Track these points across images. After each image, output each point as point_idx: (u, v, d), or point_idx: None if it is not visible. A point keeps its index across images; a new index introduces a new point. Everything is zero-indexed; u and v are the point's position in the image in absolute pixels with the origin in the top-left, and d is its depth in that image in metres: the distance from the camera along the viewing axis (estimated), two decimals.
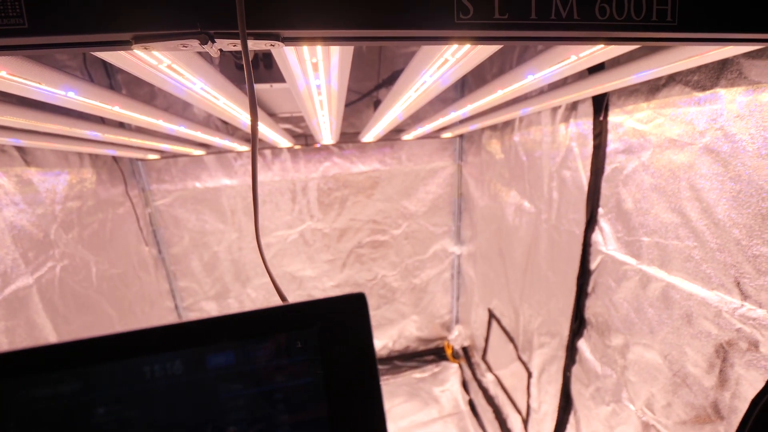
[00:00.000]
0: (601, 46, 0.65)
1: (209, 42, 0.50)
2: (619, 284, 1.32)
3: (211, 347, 0.20)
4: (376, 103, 2.47)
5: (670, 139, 1.06)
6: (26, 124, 1.15)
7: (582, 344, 1.60)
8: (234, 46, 0.52)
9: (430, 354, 3.45)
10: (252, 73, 0.48)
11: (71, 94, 0.83)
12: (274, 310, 0.22)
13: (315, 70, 0.80)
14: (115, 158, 2.36)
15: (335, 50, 0.69)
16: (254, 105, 0.52)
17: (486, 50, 0.69)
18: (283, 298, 0.68)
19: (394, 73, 2.35)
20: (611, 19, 0.54)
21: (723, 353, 0.99)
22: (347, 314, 0.22)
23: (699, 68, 0.96)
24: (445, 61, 0.75)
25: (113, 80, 2.29)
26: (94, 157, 2.16)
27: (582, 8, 0.53)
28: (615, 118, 1.28)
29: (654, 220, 1.15)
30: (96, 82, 2.20)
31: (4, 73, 0.68)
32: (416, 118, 2.37)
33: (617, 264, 1.32)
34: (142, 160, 2.56)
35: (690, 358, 1.08)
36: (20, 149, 1.66)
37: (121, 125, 1.99)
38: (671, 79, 1.05)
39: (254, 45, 0.52)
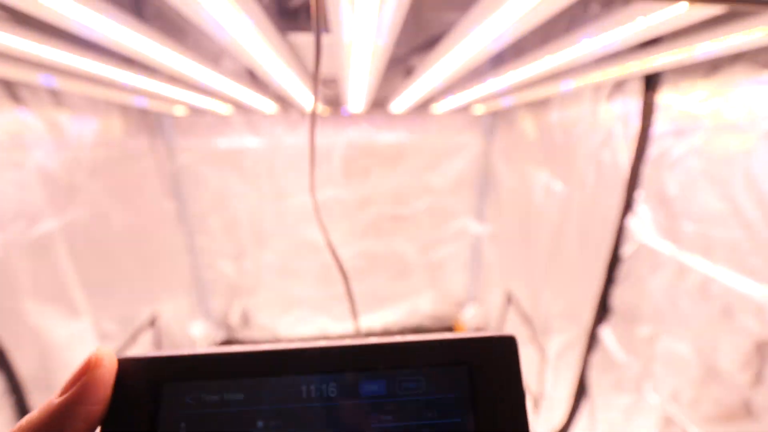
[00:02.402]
0: (685, 6, 0.59)
1: None
2: (654, 272, 1.27)
3: (365, 373, 0.21)
4: (408, 72, 2.39)
5: (728, 123, 0.99)
6: (62, 59, 1.13)
7: (604, 332, 1.56)
8: None
9: (443, 332, 3.46)
10: None
11: (113, 25, 0.80)
12: (427, 342, 0.22)
13: (367, 14, 0.74)
14: (143, 111, 2.35)
15: None
16: (319, 48, 0.48)
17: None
18: (343, 273, 0.66)
19: (430, 39, 2.25)
20: None
21: (763, 352, 0.95)
22: (498, 356, 0.21)
23: None
24: (511, 7, 0.69)
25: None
26: (123, 108, 2.16)
27: None
28: (666, 97, 1.20)
29: (700, 208, 1.09)
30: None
31: None
32: (447, 90, 2.28)
33: (654, 252, 1.27)
34: (169, 115, 2.55)
35: (725, 354, 1.04)
36: (52, 93, 1.65)
37: (153, 72, 1.96)
38: (737, 58, 0.96)
39: None
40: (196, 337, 2.92)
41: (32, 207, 1.52)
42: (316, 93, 0.49)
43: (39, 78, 1.33)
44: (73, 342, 1.66)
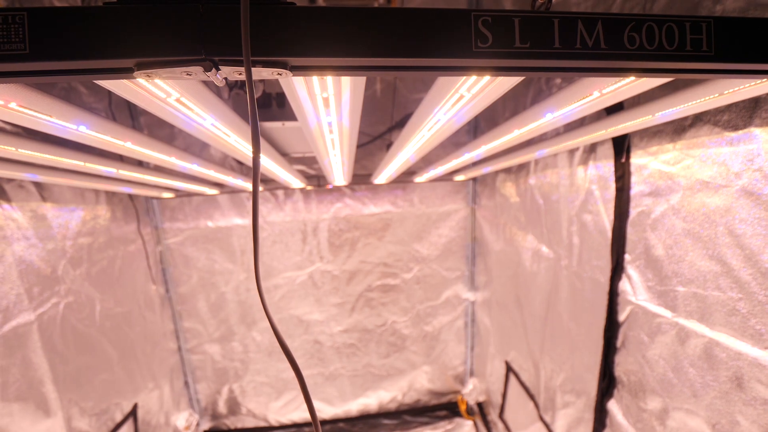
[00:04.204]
0: (631, 78, 0.62)
1: (213, 69, 0.48)
2: (652, 339, 1.20)
3: None
4: (389, 146, 2.48)
5: (702, 181, 1.00)
6: (43, 159, 1.15)
7: (613, 406, 1.45)
8: (239, 74, 0.50)
9: (443, 409, 3.22)
10: (255, 99, 0.45)
11: (83, 128, 0.82)
12: None
13: (326, 106, 0.78)
14: (130, 196, 2.38)
15: (346, 85, 0.67)
16: (257, 136, 0.49)
17: (503, 84, 0.66)
18: (283, 345, 0.61)
19: (406, 116, 2.37)
20: (641, 48, 0.50)
21: None
22: None
23: (728, 107, 0.91)
24: (461, 97, 0.73)
25: (136, 122, 2.37)
26: (110, 195, 2.18)
27: (609, 36, 0.50)
28: (638, 159, 1.23)
29: (690, 269, 1.06)
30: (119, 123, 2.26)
31: (14, 105, 0.67)
32: (428, 160, 2.36)
33: (649, 316, 1.21)
34: (157, 198, 2.59)
35: (744, 429, 0.94)
36: (38, 185, 1.68)
37: (139, 164, 2.02)
38: (698, 119, 1.01)
39: (260, 73, 0.50)
40: (179, 428, 2.68)
41: (8, 301, 1.47)
42: (255, 181, 0.48)
43: (25, 175, 1.35)
44: None
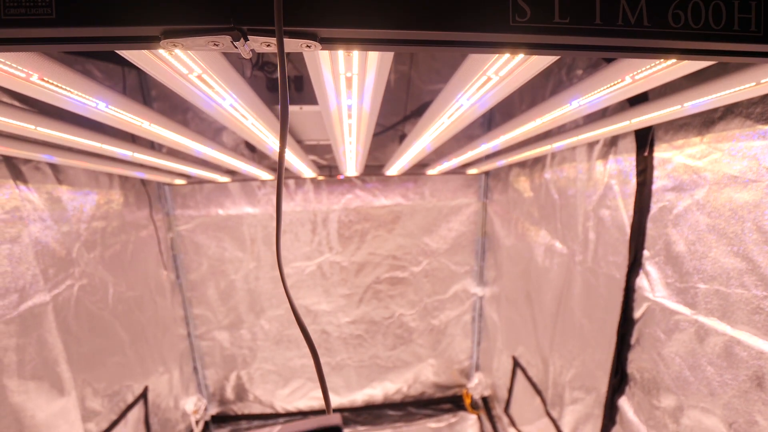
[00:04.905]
0: (671, 62, 0.59)
1: (242, 39, 0.47)
2: (669, 336, 1.18)
3: None
4: (402, 137, 2.46)
5: (731, 176, 0.97)
6: (61, 139, 1.15)
7: (624, 403, 1.43)
8: (268, 45, 0.49)
9: (447, 402, 3.22)
10: (285, 68, 0.44)
11: (102, 105, 0.82)
12: None
13: (348, 87, 0.76)
14: (143, 181, 2.39)
15: (372, 64, 0.66)
16: (285, 107, 0.48)
17: (533, 67, 0.64)
18: (305, 332, 0.61)
19: (421, 106, 2.35)
20: (686, 27, 0.48)
21: None
22: None
23: (762, 99, 0.88)
24: (488, 79, 0.71)
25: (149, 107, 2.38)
26: (124, 179, 2.20)
27: (653, 13, 0.47)
28: (662, 153, 1.20)
29: (712, 265, 1.03)
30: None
31: (35, 78, 0.66)
32: (441, 153, 2.34)
33: (667, 313, 1.19)
34: (169, 184, 2.60)
35: (762, 429, 0.92)
36: (54, 167, 1.69)
37: (151, 147, 2.02)
38: (729, 111, 0.98)
39: (289, 45, 0.48)
40: (188, 411, 2.72)
41: (24, 281, 1.49)
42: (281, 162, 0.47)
43: (42, 155, 1.36)
44: (56, 422, 1.54)
